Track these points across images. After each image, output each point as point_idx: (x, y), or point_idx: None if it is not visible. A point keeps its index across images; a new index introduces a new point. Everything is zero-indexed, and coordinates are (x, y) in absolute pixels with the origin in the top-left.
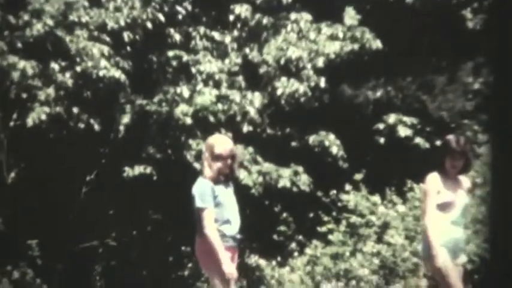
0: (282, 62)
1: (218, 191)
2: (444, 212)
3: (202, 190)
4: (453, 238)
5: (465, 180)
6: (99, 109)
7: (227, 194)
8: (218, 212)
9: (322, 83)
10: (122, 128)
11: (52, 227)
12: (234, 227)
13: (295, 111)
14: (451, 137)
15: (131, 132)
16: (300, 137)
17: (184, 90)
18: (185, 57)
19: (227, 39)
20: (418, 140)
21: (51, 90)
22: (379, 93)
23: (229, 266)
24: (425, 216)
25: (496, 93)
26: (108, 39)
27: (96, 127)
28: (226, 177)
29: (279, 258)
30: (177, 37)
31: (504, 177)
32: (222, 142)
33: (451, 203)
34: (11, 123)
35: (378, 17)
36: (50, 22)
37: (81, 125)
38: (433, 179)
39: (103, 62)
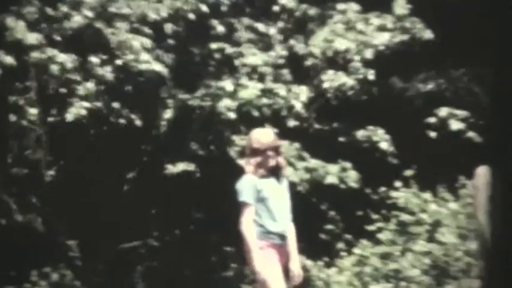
0: (329, 54)
1: (263, 185)
2: None
3: (243, 185)
4: None
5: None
6: (140, 104)
7: (275, 189)
8: (262, 207)
9: (371, 75)
10: (163, 123)
11: (92, 226)
12: (280, 224)
13: (342, 105)
14: None
15: (173, 128)
16: (347, 132)
17: (228, 84)
18: (228, 50)
19: (272, 30)
20: (471, 134)
21: (91, 85)
22: (430, 86)
23: (260, 265)
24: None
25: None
26: (149, 31)
27: (138, 123)
28: (272, 171)
29: (326, 259)
30: (220, 29)
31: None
32: (259, 136)
33: None
34: (50, 119)
35: (429, 6)
36: (89, 14)
37: (122, 121)
38: (483, 172)
39: (144, 55)
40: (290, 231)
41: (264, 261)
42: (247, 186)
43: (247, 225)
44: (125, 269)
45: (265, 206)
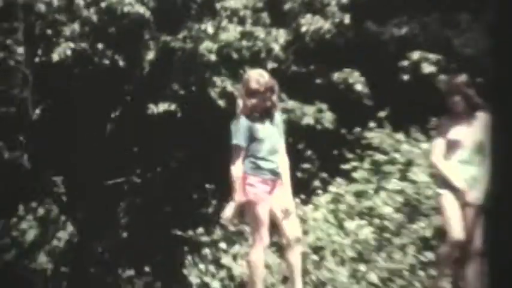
0: None
1: (257, 126)
2: (451, 152)
3: (235, 127)
4: (461, 177)
5: (483, 118)
6: (123, 45)
7: (268, 129)
8: (256, 146)
9: (347, 19)
10: (146, 64)
11: (77, 163)
12: (272, 162)
13: (319, 48)
14: (444, 78)
15: (155, 69)
16: (324, 74)
17: (209, 27)
18: None
19: None
20: (443, 77)
21: (76, 26)
22: (403, 30)
23: (238, 196)
24: (432, 156)
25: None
26: None
27: (121, 63)
28: (267, 111)
29: (302, 196)
30: None
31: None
32: (257, 76)
33: (456, 142)
34: (36, 59)
35: None
36: None
37: (106, 62)
38: (440, 122)
39: None
40: (283, 166)
41: (253, 199)
42: (240, 128)
43: (235, 165)
44: (108, 205)
45: (259, 145)
